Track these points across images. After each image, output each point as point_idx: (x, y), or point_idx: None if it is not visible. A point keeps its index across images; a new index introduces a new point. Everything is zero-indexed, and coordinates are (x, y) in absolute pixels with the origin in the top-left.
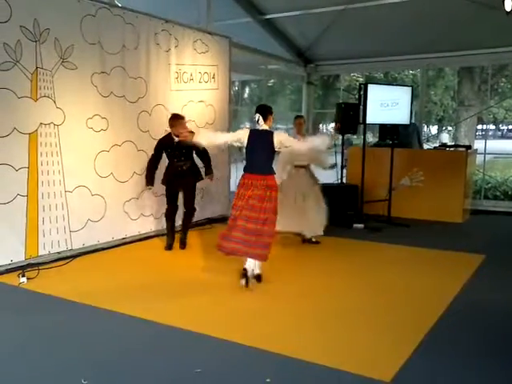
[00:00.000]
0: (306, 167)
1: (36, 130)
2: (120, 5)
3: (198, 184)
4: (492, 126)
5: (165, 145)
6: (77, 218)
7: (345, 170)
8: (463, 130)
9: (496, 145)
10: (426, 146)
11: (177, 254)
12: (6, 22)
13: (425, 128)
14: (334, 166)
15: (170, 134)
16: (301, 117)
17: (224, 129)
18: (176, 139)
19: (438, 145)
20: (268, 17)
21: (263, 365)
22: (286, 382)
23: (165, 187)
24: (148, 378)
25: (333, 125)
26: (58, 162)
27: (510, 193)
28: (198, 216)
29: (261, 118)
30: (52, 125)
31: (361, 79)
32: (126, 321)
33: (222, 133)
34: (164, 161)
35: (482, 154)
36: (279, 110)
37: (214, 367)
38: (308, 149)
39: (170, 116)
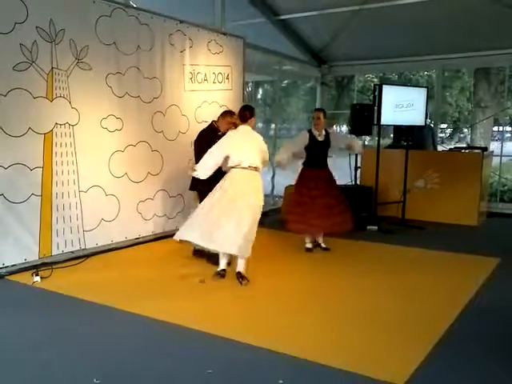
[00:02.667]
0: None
1: (51, 130)
2: (135, 5)
3: None
4: (508, 128)
5: (209, 137)
6: (90, 217)
7: (359, 172)
8: (479, 131)
9: None
10: (440, 148)
11: (191, 256)
12: (22, 22)
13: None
14: None
15: (211, 125)
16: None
17: None
18: (221, 131)
19: (462, 146)
20: (282, 17)
21: (276, 366)
22: None
23: (200, 193)
24: (160, 378)
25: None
26: (73, 162)
27: None
28: None
29: None
30: (67, 125)
31: (375, 80)
32: (139, 321)
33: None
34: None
35: (498, 156)
36: (292, 110)
37: (226, 368)
38: None
39: (223, 111)
